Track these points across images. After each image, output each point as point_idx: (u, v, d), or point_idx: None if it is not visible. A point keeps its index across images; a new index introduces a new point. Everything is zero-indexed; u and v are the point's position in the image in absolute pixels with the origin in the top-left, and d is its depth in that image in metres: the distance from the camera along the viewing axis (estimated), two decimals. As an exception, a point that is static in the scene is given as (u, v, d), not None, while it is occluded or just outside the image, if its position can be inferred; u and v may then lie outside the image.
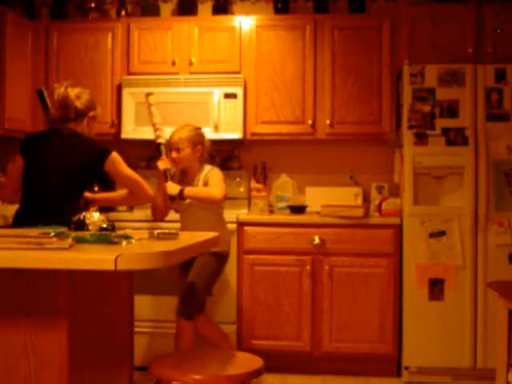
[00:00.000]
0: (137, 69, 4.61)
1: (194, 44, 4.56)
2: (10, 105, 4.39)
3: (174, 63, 4.56)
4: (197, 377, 2.11)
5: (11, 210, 4.08)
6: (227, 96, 4.41)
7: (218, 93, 4.42)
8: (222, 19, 4.64)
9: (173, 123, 4.44)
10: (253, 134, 4.51)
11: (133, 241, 2.06)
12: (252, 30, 4.54)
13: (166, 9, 4.95)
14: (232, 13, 4.84)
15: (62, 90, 3.09)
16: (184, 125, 3.80)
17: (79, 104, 3.10)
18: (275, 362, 3.93)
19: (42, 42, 4.69)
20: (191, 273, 3.58)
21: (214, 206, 3.66)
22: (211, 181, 3.64)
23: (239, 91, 4.42)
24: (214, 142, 4.60)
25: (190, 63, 4.55)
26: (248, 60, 4.52)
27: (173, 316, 3.77)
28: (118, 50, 4.62)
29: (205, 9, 4.87)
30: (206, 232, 3.47)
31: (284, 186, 4.70)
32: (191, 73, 4.55)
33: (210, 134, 4.40)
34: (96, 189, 3.51)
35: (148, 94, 3.78)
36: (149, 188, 3.19)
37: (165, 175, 3.62)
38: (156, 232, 2.24)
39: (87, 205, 3.19)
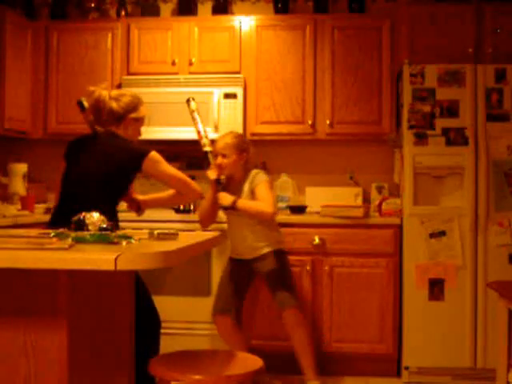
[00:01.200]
0: (137, 69, 4.61)
1: (193, 44, 4.56)
2: (10, 105, 4.39)
3: (173, 63, 4.56)
4: (197, 377, 2.11)
5: (11, 209, 4.09)
6: (227, 96, 4.41)
7: (217, 93, 4.42)
8: (222, 19, 4.64)
9: (173, 123, 4.46)
10: (253, 134, 4.51)
11: (133, 241, 2.06)
12: (252, 29, 4.54)
13: (166, 9, 4.95)
14: (232, 13, 4.84)
15: (96, 92, 2.99)
16: (229, 132, 3.79)
17: (116, 106, 2.97)
18: (275, 362, 3.92)
19: (41, 42, 4.69)
20: (268, 286, 3.69)
21: None
22: (259, 193, 3.58)
23: (239, 91, 4.42)
24: (214, 142, 4.61)
25: (190, 63, 4.55)
26: (248, 60, 4.53)
27: (173, 316, 3.77)
28: (118, 49, 4.62)
29: (205, 9, 4.88)
30: (255, 235, 3.63)
31: (284, 185, 4.70)
32: (191, 73, 4.55)
33: (209, 134, 4.40)
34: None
35: (188, 100, 3.69)
36: (196, 185, 3.10)
37: (216, 185, 3.58)
38: (156, 232, 2.24)
39: (139, 208, 3.16)
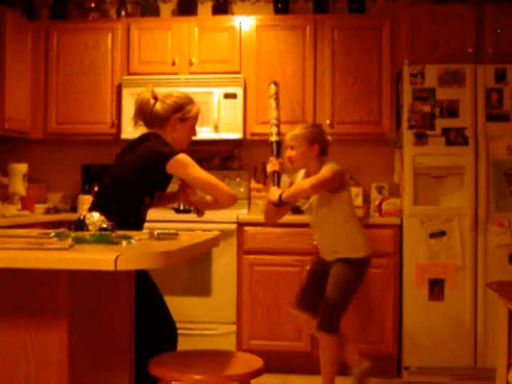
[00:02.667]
0: (137, 69, 4.61)
1: (193, 44, 4.57)
2: (10, 105, 4.39)
3: (173, 63, 4.56)
4: (197, 377, 2.11)
5: (11, 209, 4.09)
6: (227, 96, 4.41)
7: (217, 93, 4.42)
8: (222, 19, 4.64)
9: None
10: (253, 134, 4.51)
11: (133, 241, 2.06)
12: (252, 30, 4.54)
13: (166, 9, 4.95)
14: (232, 13, 4.84)
15: (140, 96, 3.00)
16: (301, 122, 3.64)
17: (159, 108, 2.94)
18: (275, 361, 3.93)
19: (41, 42, 4.69)
20: (328, 283, 3.35)
21: (341, 207, 3.36)
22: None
23: (239, 91, 4.43)
24: (214, 142, 4.62)
25: (190, 63, 4.55)
26: (248, 60, 4.53)
27: (173, 316, 3.75)
28: (118, 49, 4.63)
29: (205, 9, 4.88)
30: (335, 238, 3.37)
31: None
32: (191, 73, 4.56)
33: (209, 133, 4.41)
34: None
35: (270, 84, 3.52)
36: (228, 189, 2.89)
37: (272, 178, 3.41)
38: (156, 232, 2.24)
39: (199, 210, 3.09)
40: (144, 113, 2.96)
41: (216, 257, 4.11)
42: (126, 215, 2.76)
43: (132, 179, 2.85)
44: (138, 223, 2.88)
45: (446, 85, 3.95)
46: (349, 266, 3.32)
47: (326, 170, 3.24)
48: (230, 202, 2.89)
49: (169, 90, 3.06)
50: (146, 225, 3.52)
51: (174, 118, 2.95)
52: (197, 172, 2.88)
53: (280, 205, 3.33)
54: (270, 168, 3.44)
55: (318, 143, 3.36)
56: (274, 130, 3.43)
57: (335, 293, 3.31)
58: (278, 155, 3.45)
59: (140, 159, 2.86)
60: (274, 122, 3.45)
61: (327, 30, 4.47)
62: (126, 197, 2.85)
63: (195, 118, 3.04)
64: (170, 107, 2.95)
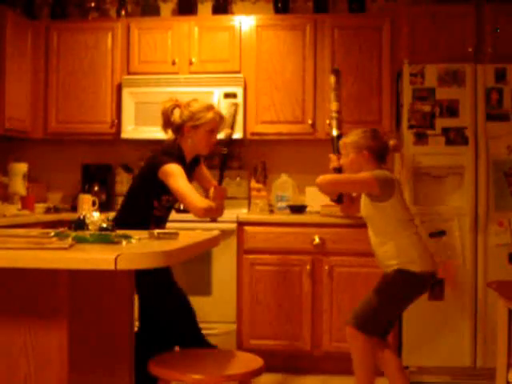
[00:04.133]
0: (137, 68, 4.61)
1: (194, 44, 4.57)
2: (10, 105, 4.39)
3: (174, 63, 4.56)
4: (197, 377, 2.11)
5: (11, 209, 4.09)
6: (227, 96, 4.41)
7: (217, 92, 4.42)
8: (222, 19, 4.65)
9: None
10: (253, 134, 4.51)
11: (133, 240, 2.06)
12: (252, 29, 4.54)
13: (166, 8, 4.95)
14: (232, 12, 4.84)
15: (162, 106, 3.23)
16: (359, 129, 3.35)
17: (176, 116, 3.15)
18: (275, 362, 3.93)
19: (42, 42, 4.69)
20: (372, 292, 3.19)
21: (384, 219, 3.17)
22: None
23: (239, 91, 4.43)
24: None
25: (190, 63, 4.55)
26: (248, 60, 4.53)
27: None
28: (118, 49, 4.63)
29: (205, 8, 4.88)
30: (385, 250, 3.16)
31: (284, 185, 4.70)
32: (191, 72, 4.56)
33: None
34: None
35: (332, 72, 3.43)
36: (196, 203, 2.94)
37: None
38: (156, 232, 2.24)
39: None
40: (166, 122, 3.19)
41: (216, 256, 4.11)
42: (138, 217, 3.04)
43: (139, 186, 3.14)
44: (146, 221, 3.06)
45: (446, 84, 3.95)
46: (399, 275, 3.12)
47: (365, 174, 3.15)
48: (198, 214, 2.99)
49: (191, 99, 3.28)
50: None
51: (187, 125, 3.13)
52: (175, 182, 2.98)
53: (339, 201, 3.47)
54: (330, 165, 3.48)
55: (368, 150, 3.22)
56: (334, 123, 3.36)
57: (374, 294, 3.14)
58: (338, 150, 3.40)
59: (143, 168, 3.15)
60: (334, 115, 3.38)
61: (327, 29, 4.47)
62: (137, 201, 3.13)
63: (209, 125, 3.16)
64: (184, 116, 3.14)
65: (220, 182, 3.23)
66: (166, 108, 3.18)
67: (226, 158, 3.25)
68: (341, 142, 3.35)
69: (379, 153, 3.26)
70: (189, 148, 3.17)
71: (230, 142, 3.25)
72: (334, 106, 3.41)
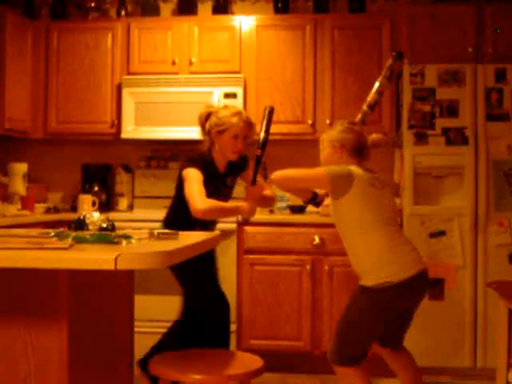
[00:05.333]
0: (137, 68, 4.61)
1: (193, 44, 4.57)
2: (10, 105, 4.39)
3: (173, 63, 4.56)
4: (197, 376, 2.11)
5: (11, 209, 4.09)
6: (227, 96, 4.41)
7: (217, 93, 4.42)
8: (222, 19, 4.65)
9: (173, 123, 4.47)
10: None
11: (133, 241, 2.06)
12: (252, 29, 4.54)
13: (166, 8, 4.95)
14: (232, 12, 4.84)
15: (198, 113, 3.32)
16: (338, 123, 3.09)
17: (207, 123, 3.25)
18: (275, 361, 3.93)
19: (42, 42, 4.69)
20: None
21: (346, 220, 2.89)
22: None
23: (239, 91, 4.43)
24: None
25: (190, 63, 4.55)
26: (248, 60, 4.53)
27: (173, 316, 3.75)
28: (118, 49, 4.63)
29: (205, 8, 4.88)
30: (355, 258, 2.87)
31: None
32: (191, 72, 4.56)
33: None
34: None
35: (393, 56, 3.20)
36: (194, 204, 2.98)
37: None
38: (156, 232, 2.24)
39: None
40: (201, 128, 3.29)
41: (216, 257, 4.10)
42: (183, 219, 3.12)
43: (176, 188, 3.27)
44: (190, 223, 3.11)
45: (446, 84, 3.95)
46: (363, 296, 2.84)
47: (318, 168, 2.92)
48: (196, 215, 3.02)
49: (222, 106, 3.41)
50: (146, 224, 3.54)
51: (213, 131, 3.21)
52: (187, 186, 3.09)
53: (312, 202, 3.33)
54: None
55: (343, 144, 2.95)
56: (361, 116, 3.15)
57: (341, 319, 2.89)
58: None
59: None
60: (363, 108, 3.14)
61: (327, 29, 4.47)
62: (178, 204, 3.22)
63: (233, 130, 3.20)
64: (212, 122, 3.22)
65: (253, 182, 3.23)
66: (200, 115, 3.27)
67: (260, 160, 3.20)
68: (320, 138, 3.10)
69: (355, 148, 2.95)
70: (218, 154, 3.26)
71: (264, 143, 3.20)
72: (368, 97, 3.19)
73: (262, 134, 3.19)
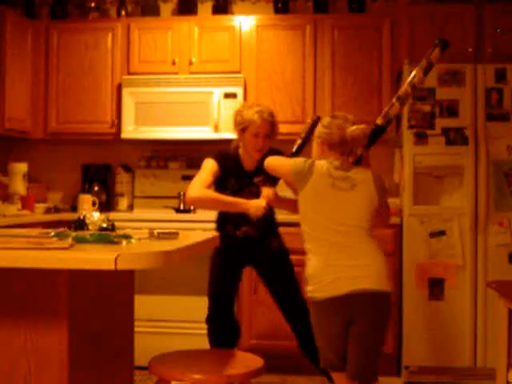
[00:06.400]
0: (137, 68, 4.61)
1: (193, 44, 4.57)
2: (9, 105, 4.39)
3: (174, 63, 4.56)
4: (197, 376, 2.11)
5: (12, 209, 4.09)
6: (227, 96, 4.41)
7: (217, 92, 4.42)
8: (222, 19, 4.65)
9: (173, 123, 4.46)
10: (253, 134, 4.51)
11: (133, 240, 2.06)
12: (252, 29, 4.54)
13: (166, 8, 4.95)
14: (232, 12, 4.84)
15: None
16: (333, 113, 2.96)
17: (234, 121, 3.28)
18: (275, 361, 3.93)
19: (42, 42, 4.69)
20: None
21: (302, 214, 2.79)
22: None
23: (239, 91, 4.43)
24: (214, 142, 4.62)
25: (190, 63, 4.55)
26: (248, 60, 4.53)
27: (173, 316, 3.78)
28: (118, 49, 4.63)
29: (205, 8, 4.88)
30: None
31: (284, 185, 4.68)
32: (191, 72, 4.56)
33: (209, 133, 4.42)
34: None
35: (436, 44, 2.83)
36: (189, 190, 3.13)
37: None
38: (156, 232, 2.24)
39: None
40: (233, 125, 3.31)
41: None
42: (217, 217, 3.36)
43: None
44: (221, 222, 3.32)
45: (446, 84, 3.95)
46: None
47: (288, 160, 2.87)
48: (186, 201, 3.38)
49: (251, 103, 3.53)
50: (146, 224, 3.53)
51: (237, 129, 3.25)
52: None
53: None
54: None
55: (321, 139, 2.79)
56: (384, 110, 2.91)
57: None
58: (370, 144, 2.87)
59: None
60: (392, 101, 2.90)
61: (327, 29, 4.47)
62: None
63: (252, 128, 3.19)
64: (237, 119, 3.25)
65: (272, 182, 3.24)
66: (234, 113, 3.31)
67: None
68: None
69: (333, 142, 2.74)
70: (244, 152, 3.29)
71: (298, 148, 3.14)
72: (402, 88, 2.88)
73: (299, 140, 3.15)
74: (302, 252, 3.02)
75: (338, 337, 2.64)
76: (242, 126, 3.21)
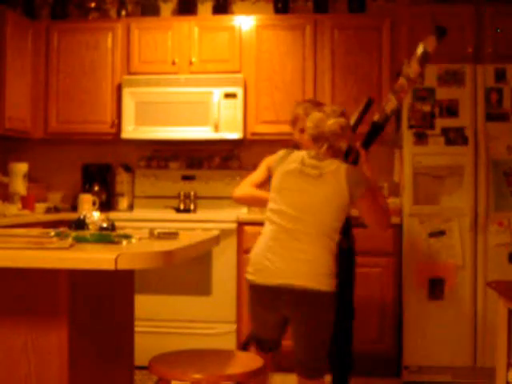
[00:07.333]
0: (137, 68, 4.61)
1: (194, 44, 4.57)
2: (10, 104, 4.39)
3: (174, 63, 4.56)
4: (197, 376, 2.11)
5: (12, 209, 4.09)
6: (227, 96, 4.42)
7: (217, 92, 4.42)
8: (222, 19, 4.65)
9: (173, 123, 4.47)
10: (253, 134, 4.51)
11: (133, 240, 2.06)
12: (252, 29, 4.54)
13: (166, 8, 4.95)
14: (232, 12, 4.84)
15: None
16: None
17: None
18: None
19: (42, 42, 4.69)
20: None
21: (269, 206, 2.72)
22: None
23: (239, 91, 4.43)
24: (214, 142, 4.63)
25: (190, 63, 4.56)
26: (248, 60, 4.53)
27: (173, 316, 3.78)
28: (119, 49, 4.63)
29: (205, 8, 4.88)
30: None
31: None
32: (191, 72, 4.56)
33: (209, 133, 4.42)
34: None
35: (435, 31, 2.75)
36: (234, 190, 3.02)
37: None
38: (156, 231, 2.25)
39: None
40: None
41: (216, 256, 4.11)
42: None
43: None
44: None
45: (446, 84, 3.96)
46: None
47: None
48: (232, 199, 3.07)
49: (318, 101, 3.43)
50: (146, 224, 3.53)
51: (290, 126, 3.28)
52: None
53: None
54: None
55: (306, 134, 2.82)
56: (381, 106, 2.90)
57: None
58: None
59: None
60: (388, 95, 2.87)
61: (327, 29, 4.47)
62: None
63: (298, 124, 3.18)
64: (291, 118, 3.25)
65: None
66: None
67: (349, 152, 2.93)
68: None
69: (311, 135, 2.71)
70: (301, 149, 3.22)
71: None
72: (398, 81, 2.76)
73: (352, 122, 2.97)
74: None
75: (271, 326, 2.69)
76: (291, 121, 3.23)
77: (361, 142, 2.86)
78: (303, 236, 2.55)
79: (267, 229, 2.65)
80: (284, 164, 2.69)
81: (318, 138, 2.68)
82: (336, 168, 2.59)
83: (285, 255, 2.55)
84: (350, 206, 2.61)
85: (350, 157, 2.79)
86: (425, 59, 2.77)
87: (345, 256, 3.31)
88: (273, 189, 2.69)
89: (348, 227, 3.34)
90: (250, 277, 2.63)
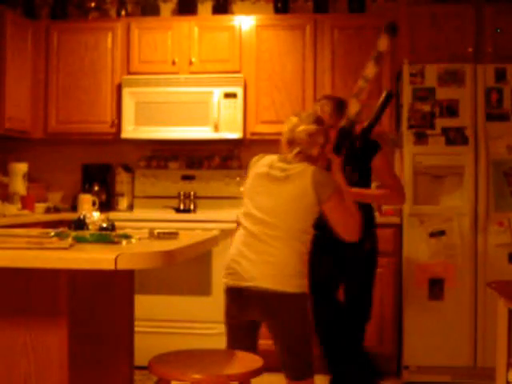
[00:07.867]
0: (137, 68, 4.61)
1: (194, 44, 4.57)
2: (10, 104, 4.39)
3: (174, 63, 4.56)
4: (197, 376, 2.11)
5: (12, 209, 4.09)
6: (227, 96, 4.41)
7: (217, 92, 4.42)
8: (222, 19, 4.65)
9: (173, 123, 4.47)
10: (253, 134, 4.51)
11: (133, 240, 2.06)
12: (252, 29, 4.54)
13: (166, 8, 4.95)
14: (232, 12, 4.84)
15: None
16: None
17: None
18: (275, 361, 3.92)
19: (42, 42, 4.69)
20: None
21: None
22: None
23: (239, 91, 4.43)
24: (214, 142, 4.63)
25: (190, 63, 4.55)
26: (248, 60, 4.53)
27: (173, 316, 3.77)
28: (118, 49, 4.63)
29: (205, 8, 4.88)
30: None
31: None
32: (191, 72, 4.56)
33: (209, 133, 4.42)
34: None
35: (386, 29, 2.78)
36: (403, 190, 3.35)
37: None
38: (156, 231, 2.25)
39: None
40: None
41: (216, 256, 4.10)
42: None
43: None
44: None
45: (446, 84, 3.96)
46: None
47: None
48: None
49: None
50: (146, 224, 3.52)
51: None
52: None
53: None
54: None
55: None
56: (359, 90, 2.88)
57: None
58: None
59: None
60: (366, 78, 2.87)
61: (327, 29, 4.47)
62: None
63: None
64: None
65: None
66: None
67: (348, 135, 2.91)
68: None
69: (284, 140, 2.73)
70: None
71: (369, 127, 3.00)
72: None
73: (372, 117, 3.01)
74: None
75: (244, 331, 2.72)
76: None
77: (332, 150, 2.84)
78: (270, 239, 2.53)
79: (239, 233, 2.64)
80: (255, 168, 2.70)
81: (291, 142, 2.68)
82: (303, 169, 2.57)
83: (253, 258, 2.53)
84: (318, 206, 2.56)
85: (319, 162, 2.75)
86: (379, 59, 2.80)
87: (367, 257, 3.33)
88: (244, 193, 2.71)
89: (371, 228, 3.35)
90: (223, 279, 2.61)
